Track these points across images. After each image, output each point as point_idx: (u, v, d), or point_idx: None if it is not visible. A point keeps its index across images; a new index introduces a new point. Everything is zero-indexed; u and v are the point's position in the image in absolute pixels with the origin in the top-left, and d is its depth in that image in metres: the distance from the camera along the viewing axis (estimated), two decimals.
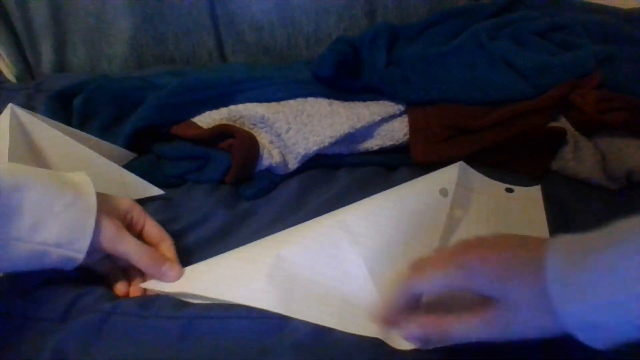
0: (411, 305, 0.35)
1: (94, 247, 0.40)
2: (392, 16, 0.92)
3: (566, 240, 0.31)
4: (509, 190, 0.53)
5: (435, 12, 0.89)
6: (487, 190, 0.53)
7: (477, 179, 0.54)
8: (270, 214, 0.53)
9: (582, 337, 0.29)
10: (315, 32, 0.92)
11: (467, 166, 0.54)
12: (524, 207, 0.50)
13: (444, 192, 0.48)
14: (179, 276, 0.43)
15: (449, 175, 0.51)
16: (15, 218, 0.36)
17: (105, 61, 0.93)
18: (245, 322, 0.38)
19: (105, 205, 0.42)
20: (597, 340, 0.29)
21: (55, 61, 0.92)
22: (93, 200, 0.40)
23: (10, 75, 0.93)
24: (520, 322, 0.31)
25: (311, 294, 0.40)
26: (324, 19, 0.91)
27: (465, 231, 0.47)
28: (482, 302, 0.32)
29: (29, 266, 0.38)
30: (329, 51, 0.68)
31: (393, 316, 0.35)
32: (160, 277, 0.42)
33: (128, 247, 0.41)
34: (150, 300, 0.41)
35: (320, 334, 0.37)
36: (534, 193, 0.52)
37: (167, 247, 0.45)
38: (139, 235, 0.44)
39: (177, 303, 0.41)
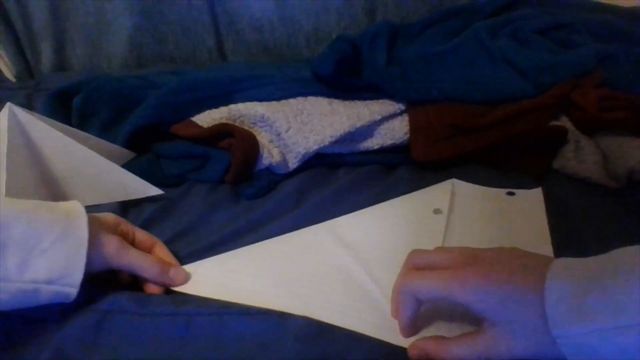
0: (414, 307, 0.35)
1: (99, 263, 0.39)
2: (392, 15, 0.92)
3: (567, 264, 0.31)
4: (510, 194, 0.53)
5: (435, 10, 0.89)
6: (487, 195, 0.53)
7: (474, 189, 0.54)
8: (270, 214, 0.53)
9: None
10: (315, 31, 0.91)
11: (461, 181, 0.54)
12: (525, 210, 0.50)
13: (437, 212, 0.48)
14: (185, 279, 0.42)
15: (442, 193, 0.51)
16: (0, 257, 0.35)
17: (104, 60, 0.93)
18: (244, 318, 0.38)
19: (100, 224, 0.41)
20: None
21: (54, 60, 0.92)
22: (84, 231, 0.38)
23: (9, 74, 0.93)
24: (519, 344, 0.31)
25: (314, 293, 0.40)
26: (324, 17, 0.90)
27: (469, 233, 0.47)
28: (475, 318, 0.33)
29: (20, 305, 0.37)
30: (329, 50, 0.68)
31: (407, 326, 0.36)
32: (169, 283, 0.42)
33: (133, 259, 0.41)
34: (146, 297, 0.41)
35: (321, 329, 0.37)
36: (535, 195, 0.52)
37: (161, 249, 0.45)
38: (132, 245, 0.43)
39: (174, 299, 0.41)
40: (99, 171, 0.52)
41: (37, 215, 0.37)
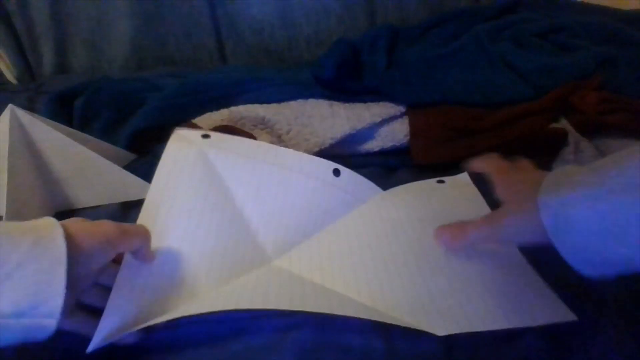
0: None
1: (88, 276, 0.34)
2: (393, 18, 0.92)
3: (574, 168, 0.35)
4: (440, 182, 0.54)
5: (435, 13, 0.89)
6: (419, 187, 0.53)
7: (403, 187, 0.54)
8: None
9: (558, 245, 0.32)
10: (315, 34, 0.92)
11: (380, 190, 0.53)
12: (459, 192, 0.52)
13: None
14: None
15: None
16: None
17: (106, 63, 0.93)
18: (243, 323, 0.38)
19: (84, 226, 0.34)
20: (574, 255, 0.31)
21: (56, 63, 0.92)
22: (60, 241, 0.30)
23: (11, 77, 0.93)
24: (512, 221, 0.36)
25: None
26: (324, 20, 0.91)
27: (409, 226, 0.46)
28: None
29: None
30: (330, 53, 0.68)
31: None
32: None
33: (134, 243, 0.36)
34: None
35: (322, 334, 0.37)
36: (463, 179, 0.54)
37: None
38: None
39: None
40: (100, 172, 0.52)
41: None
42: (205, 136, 0.49)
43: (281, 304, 0.36)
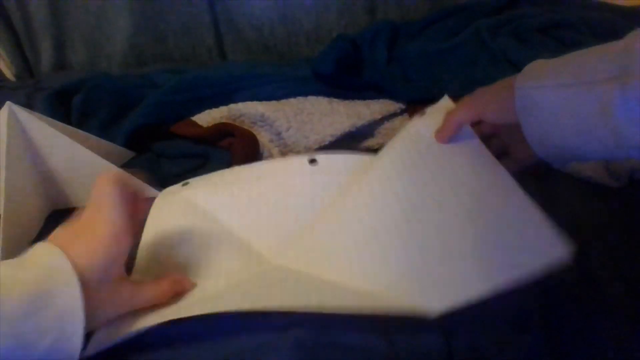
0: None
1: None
2: (393, 13, 0.92)
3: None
4: (423, 114, 0.51)
5: (436, 9, 0.89)
6: (402, 137, 0.50)
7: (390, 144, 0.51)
8: None
9: (524, 124, 0.37)
10: (315, 30, 0.91)
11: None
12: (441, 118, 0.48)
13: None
14: (191, 285, 0.40)
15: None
16: None
17: (104, 59, 0.93)
18: (243, 320, 0.38)
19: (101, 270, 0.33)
20: (536, 137, 0.36)
21: (54, 60, 0.92)
22: (76, 292, 0.30)
23: (9, 73, 0.93)
24: (493, 103, 0.41)
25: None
26: (324, 16, 0.90)
27: (396, 180, 0.44)
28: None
29: None
30: (329, 49, 0.68)
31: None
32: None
33: (147, 297, 0.37)
34: None
35: (321, 332, 0.37)
36: (444, 103, 0.51)
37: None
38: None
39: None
40: (97, 171, 0.52)
41: (26, 326, 0.28)
42: (185, 184, 0.52)
43: (274, 303, 0.36)
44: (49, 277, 0.30)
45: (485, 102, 0.42)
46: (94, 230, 0.34)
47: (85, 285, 0.31)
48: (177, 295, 0.39)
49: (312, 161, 0.49)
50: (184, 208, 0.48)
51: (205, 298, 0.38)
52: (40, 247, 0.33)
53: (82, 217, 0.35)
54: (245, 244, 0.44)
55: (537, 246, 0.35)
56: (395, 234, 0.40)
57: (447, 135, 0.45)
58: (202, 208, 0.47)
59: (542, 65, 0.38)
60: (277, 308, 0.35)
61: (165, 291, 0.38)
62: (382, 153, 0.48)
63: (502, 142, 0.47)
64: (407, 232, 0.39)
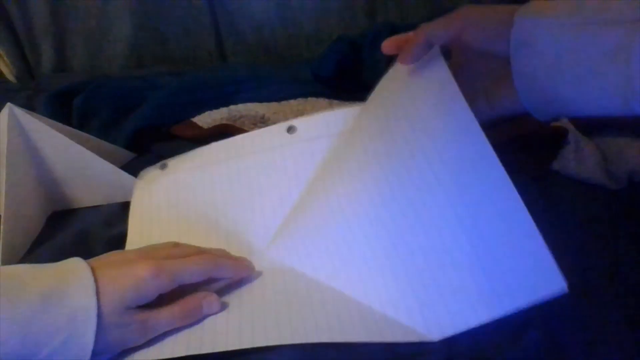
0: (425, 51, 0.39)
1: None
2: (393, 16, 0.92)
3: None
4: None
5: (435, 11, 0.89)
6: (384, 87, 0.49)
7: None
8: None
9: (513, 60, 0.33)
10: (315, 32, 0.91)
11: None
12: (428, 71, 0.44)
13: None
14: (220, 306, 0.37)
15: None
16: None
17: (105, 61, 0.93)
18: None
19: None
20: (523, 79, 0.33)
21: (55, 61, 0.92)
22: (90, 290, 0.30)
23: (10, 75, 0.93)
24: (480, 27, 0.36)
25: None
26: (324, 18, 0.90)
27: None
28: None
29: None
30: (330, 51, 0.68)
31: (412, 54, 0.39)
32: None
33: (161, 324, 0.34)
34: None
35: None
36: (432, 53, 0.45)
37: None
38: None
39: None
40: (98, 172, 0.52)
41: (34, 326, 0.29)
42: (164, 166, 0.52)
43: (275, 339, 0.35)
44: (64, 276, 0.31)
45: (470, 20, 0.36)
46: (135, 268, 0.33)
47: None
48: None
49: (290, 128, 0.48)
50: (167, 199, 0.47)
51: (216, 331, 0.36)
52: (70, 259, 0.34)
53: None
54: (232, 232, 0.44)
55: (532, 277, 0.33)
56: (384, 235, 0.38)
57: (412, 52, 0.39)
58: (185, 197, 0.47)
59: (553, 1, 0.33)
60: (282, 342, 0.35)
61: (180, 316, 0.35)
62: (362, 108, 0.47)
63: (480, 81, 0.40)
64: (395, 231, 0.38)
